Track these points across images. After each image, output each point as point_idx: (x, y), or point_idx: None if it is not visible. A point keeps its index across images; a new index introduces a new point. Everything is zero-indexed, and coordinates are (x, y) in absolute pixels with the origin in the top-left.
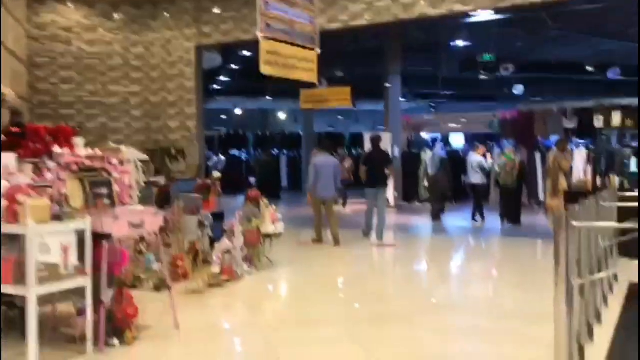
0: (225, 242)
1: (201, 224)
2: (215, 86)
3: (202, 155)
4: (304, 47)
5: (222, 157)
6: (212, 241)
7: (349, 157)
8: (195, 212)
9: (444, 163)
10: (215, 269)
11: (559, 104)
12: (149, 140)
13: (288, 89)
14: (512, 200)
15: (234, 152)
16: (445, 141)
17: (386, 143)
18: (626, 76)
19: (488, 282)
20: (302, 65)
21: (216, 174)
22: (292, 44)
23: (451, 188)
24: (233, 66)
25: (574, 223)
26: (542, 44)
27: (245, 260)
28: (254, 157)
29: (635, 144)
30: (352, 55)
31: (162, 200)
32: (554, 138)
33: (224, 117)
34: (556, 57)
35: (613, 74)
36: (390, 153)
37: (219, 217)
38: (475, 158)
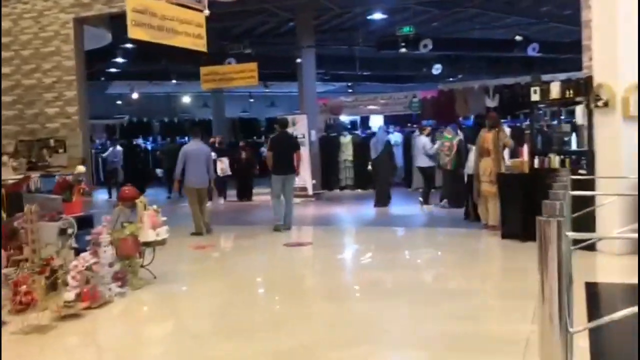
0: (84, 257)
1: (63, 232)
2: (112, 69)
3: (87, 146)
4: (187, 7)
5: (119, 148)
6: (78, 253)
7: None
8: (54, 218)
9: (388, 146)
10: (69, 294)
11: (480, 81)
12: (24, 130)
13: (196, 71)
14: (452, 182)
15: (139, 141)
16: (365, 124)
17: (302, 127)
18: (544, 53)
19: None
20: (186, 29)
21: (80, 168)
22: (171, 2)
23: (395, 172)
24: (128, 45)
25: (570, 235)
26: (459, 22)
27: (116, 279)
28: (159, 147)
29: (573, 120)
30: (263, 35)
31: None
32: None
33: (119, 103)
34: (474, 35)
35: (532, 50)
36: (307, 137)
37: (86, 222)
38: (421, 140)
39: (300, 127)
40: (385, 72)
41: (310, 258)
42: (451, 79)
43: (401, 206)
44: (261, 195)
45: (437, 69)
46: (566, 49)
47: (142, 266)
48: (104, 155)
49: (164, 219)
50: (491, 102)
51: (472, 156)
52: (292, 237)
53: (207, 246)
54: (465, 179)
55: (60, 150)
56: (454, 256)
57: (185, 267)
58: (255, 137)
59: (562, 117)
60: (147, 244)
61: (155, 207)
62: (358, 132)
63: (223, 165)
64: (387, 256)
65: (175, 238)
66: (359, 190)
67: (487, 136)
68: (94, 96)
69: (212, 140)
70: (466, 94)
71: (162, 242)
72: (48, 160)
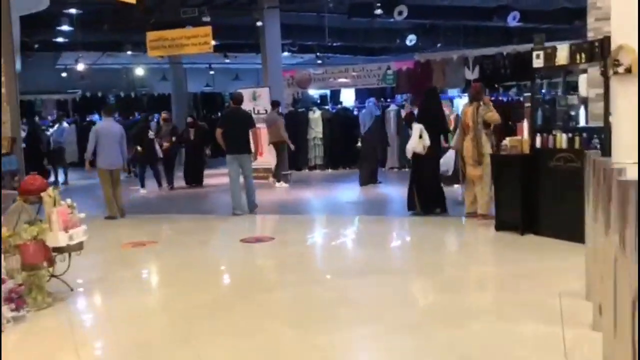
0: None
1: None
2: (60, 39)
3: (15, 123)
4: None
5: (65, 125)
6: None
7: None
8: None
9: (378, 121)
10: None
11: (459, 52)
12: None
13: None
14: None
15: (95, 118)
16: (335, 98)
17: (265, 101)
18: (525, 22)
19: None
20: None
21: None
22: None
23: (384, 149)
24: (72, 11)
25: None
26: None
27: (10, 300)
28: None
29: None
30: (225, 3)
31: None
32: (452, 92)
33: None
34: (450, 3)
35: (512, 19)
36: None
37: None
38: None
39: (263, 101)
40: (357, 43)
41: (269, 260)
42: (428, 51)
43: (385, 188)
44: (216, 177)
45: (411, 40)
46: (548, 18)
47: (53, 276)
48: (48, 133)
49: (82, 215)
50: (471, 75)
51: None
52: (251, 228)
53: (146, 243)
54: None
55: None
56: (441, 257)
57: (115, 273)
58: (219, 113)
59: (559, 90)
60: (59, 250)
61: (69, 201)
62: (328, 107)
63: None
64: (362, 257)
65: (107, 233)
66: (330, 170)
67: (467, 111)
68: (42, 69)
69: (163, 116)
70: (444, 66)
71: (78, 247)
72: None
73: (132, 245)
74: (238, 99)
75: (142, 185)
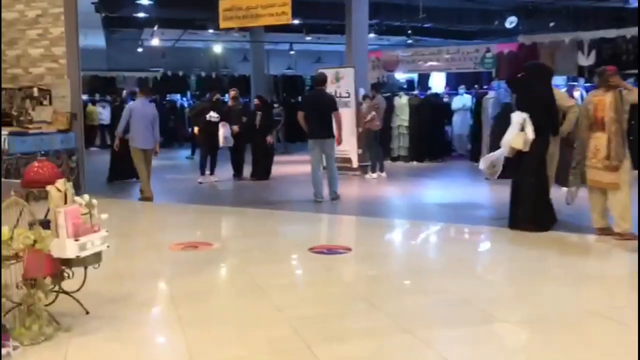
0: None
1: None
2: (140, 14)
3: (77, 98)
4: None
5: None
6: None
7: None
8: None
9: (507, 108)
10: None
11: (571, 34)
12: (5, 75)
13: None
14: None
15: (176, 97)
16: (423, 83)
17: (348, 83)
18: None
19: None
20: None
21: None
22: None
23: None
24: None
25: None
26: None
27: None
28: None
29: None
30: None
31: None
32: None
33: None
34: None
35: None
36: (352, 95)
37: None
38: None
39: (346, 83)
40: (450, 25)
41: (340, 284)
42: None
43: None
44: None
45: (511, 22)
46: None
47: (61, 292)
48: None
49: (104, 216)
50: (585, 60)
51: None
52: (325, 232)
53: (199, 245)
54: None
55: (45, 102)
56: (598, 301)
57: (151, 288)
58: (299, 97)
59: None
60: (67, 263)
61: (86, 198)
62: (416, 92)
63: (225, 133)
64: (462, 291)
65: (153, 228)
66: (415, 163)
67: (600, 100)
68: (126, 47)
69: (232, 94)
70: (554, 49)
71: (94, 260)
72: (31, 114)
73: (181, 247)
74: (321, 80)
75: (202, 173)
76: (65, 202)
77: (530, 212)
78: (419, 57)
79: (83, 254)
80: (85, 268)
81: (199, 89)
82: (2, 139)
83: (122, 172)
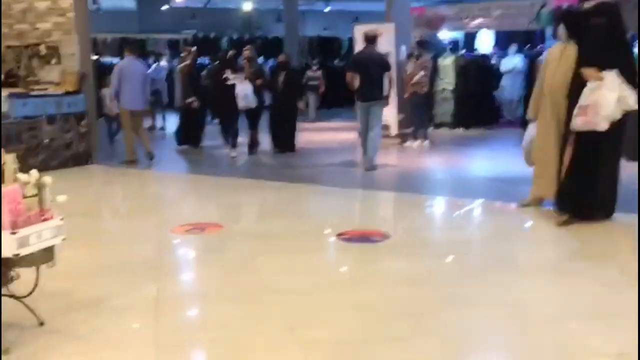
0: None
1: None
2: None
3: (86, 55)
4: None
5: (164, 63)
6: None
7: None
8: None
9: None
10: None
11: None
12: (11, 32)
13: None
14: None
15: (204, 60)
16: (469, 43)
17: (387, 41)
18: None
19: None
20: None
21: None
22: None
23: None
24: None
25: None
26: None
27: None
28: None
29: None
30: None
31: None
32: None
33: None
34: None
35: None
36: (394, 54)
37: None
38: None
39: (385, 41)
40: None
41: (376, 284)
42: None
43: None
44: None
45: None
46: None
47: (6, 296)
48: (149, 71)
49: (61, 199)
50: None
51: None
52: (357, 211)
53: (206, 227)
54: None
55: (54, 61)
56: None
57: (140, 287)
58: (336, 60)
59: None
60: (6, 264)
61: (35, 174)
62: (462, 52)
63: (244, 91)
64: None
65: (161, 203)
66: (460, 130)
67: None
68: (157, 7)
69: (246, 54)
70: (621, 3)
71: (44, 259)
72: (38, 74)
73: (186, 230)
74: (372, 37)
75: (233, 145)
76: (3, 181)
77: (607, 199)
78: (466, 13)
79: (24, 250)
80: (37, 268)
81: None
82: (1, 102)
83: (193, 138)
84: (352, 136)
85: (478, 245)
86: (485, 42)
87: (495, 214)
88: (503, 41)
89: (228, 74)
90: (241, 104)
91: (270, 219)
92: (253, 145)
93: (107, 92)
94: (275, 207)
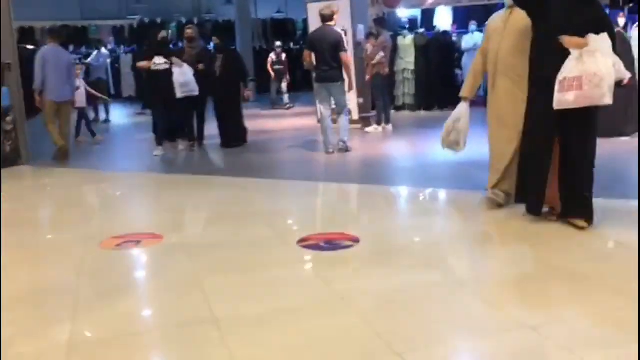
0: None
1: None
2: None
3: (9, 44)
4: None
5: (104, 51)
6: None
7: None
8: None
9: None
10: None
11: None
12: None
13: None
14: None
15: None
16: (428, 21)
17: (343, 19)
18: None
19: None
20: None
21: None
22: None
23: None
24: None
25: None
26: None
27: None
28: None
29: None
30: None
31: None
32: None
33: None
34: None
35: None
36: (350, 34)
37: None
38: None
39: (341, 19)
40: None
41: (347, 307)
42: None
43: None
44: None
45: None
46: None
47: None
48: (88, 60)
49: None
50: None
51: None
52: (323, 209)
53: (144, 238)
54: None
55: None
56: None
57: (49, 325)
58: (292, 44)
59: None
60: None
61: None
62: (421, 31)
63: (183, 77)
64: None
65: (89, 209)
66: (422, 112)
67: None
68: None
69: (188, 33)
70: None
71: None
72: None
73: (118, 243)
74: (328, 16)
75: (158, 143)
76: None
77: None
78: None
79: None
80: None
81: (179, 37)
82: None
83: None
84: (310, 122)
85: (470, 246)
86: (443, 20)
87: (467, 206)
88: (462, 18)
89: (156, 60)
90: (179, 92)
91: (219, 225)
92: (197, 138)
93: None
94: (225, 209)
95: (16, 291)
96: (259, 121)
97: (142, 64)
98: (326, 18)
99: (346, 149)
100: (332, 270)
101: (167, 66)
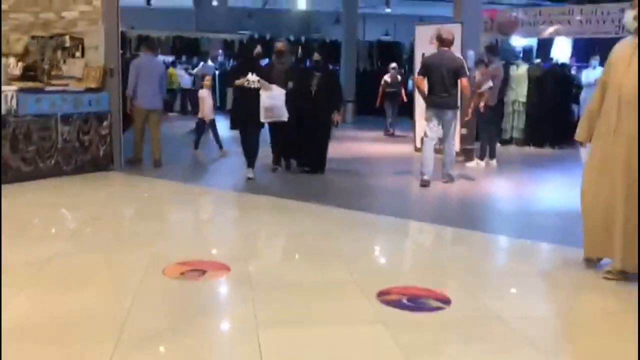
0: None
1: None
2: None
3: (113, 49)
4: None
5: (211, 63)
6: None
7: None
8: None
9: None
10: None
11: None
12: (37, 20)
13: None
14: None
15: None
16: (544, 51)
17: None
18: None
19: None
20: None
21: None
22: None
23: None
24: None
25: None
26: None
27: None
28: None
29: None
30: None
31: None
32: None
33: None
34: None
35: None
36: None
37: None
38: None
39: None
40: None
41: None
42: None
43: None
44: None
45: None
46: None
47: None
48: (193, 71)
49: None
50: None
51: None
52: (411, 260)
53: (209, 268)
54: None
55: (77, 54)
56: None
57: None
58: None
59: None
60: None
61: None
62: (537, 61)
63: (270, 100)
64: None
65: (163, 230)
66: (531, 148)
67: None
68: (215, 7)
69: (279, 47)
70: None
71: None
72: (62, 68)
73: (181, 271)
74: (447, 40)
75: (249, 164)
76: None
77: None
78: (544, 17)
79: None
80: None
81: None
82: (9, 97)
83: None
84: (406, 148)
85: (570, 330)
86: (561, 51)
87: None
88: (582, 50)
89: (250, 77)
90: (262, 116)
91: (293, 261)
92: (276, 161)
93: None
94: (303, 242)
95: (57, 316)
96: (353, 145)
97: (239, 81)
98: (447, 42)
99: (451, 180)
100: (413, 338)
101: (259, 85)
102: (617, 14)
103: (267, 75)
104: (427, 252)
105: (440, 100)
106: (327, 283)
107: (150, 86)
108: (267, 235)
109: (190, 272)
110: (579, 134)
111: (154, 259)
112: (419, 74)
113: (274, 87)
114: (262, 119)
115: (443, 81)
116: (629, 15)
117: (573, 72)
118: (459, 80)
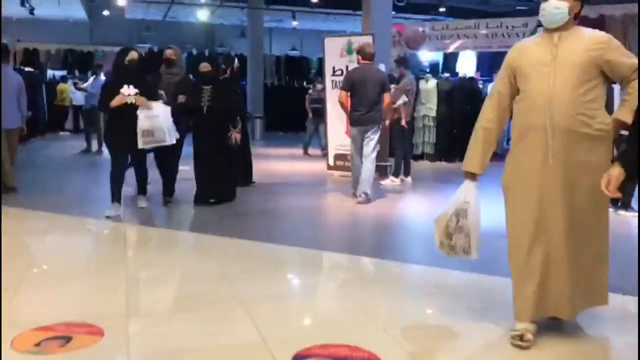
0: None
1: None
2: None
3: None
4: None
5: (103, 77)
6: None
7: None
8: None
9: None
10: None
11: None
12: None
13: None
14: None
15: None
16: (449, 65)
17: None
18: None
19: None
20: None
21: None
22: None
23: None
24: None
25: None
26: None
27: None
28: None
29: None
30: None
31: None
32: None
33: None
34: None
35: None
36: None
37: None
38: None
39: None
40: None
41: None
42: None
43: None
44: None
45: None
46: None
47: None
48: (83, 86)
49: None
50: None
51: None
52: (329, 307)
53: (76, 331)
54: None
55: None
56: None
57: None
58: (304, 82)
59: None
60: None
61: None
62: (446, 75)
63: (153, 120)
64: None
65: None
66: (443, 163)
67: None
68: (112, 20)
69: (168, 54)
70: (627, 24)
71: None
72: None
73: (36, 341)
74: (369, 53)
75: (114, 199)
76: None
77: None
78: (450, 32)
79: None
80: None
81: (188, 68)
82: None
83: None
84: (319, 166)
85: None
86: (467, 66)
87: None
88: (487, 64)
89: (125, 89)
90: (140, 141)
91: (188, 316)
92: (167, 192)
93: None
94: (201, 289)
95: None
96: (263, 163)
97: (117, 100)
98: (369, 56)
99: (368, 201)
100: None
101: (134, 99)
102: (521, 28)
103: (150, 89)
104: (353, 290)
105: (364, 117)
106: (231, 347)
107: (9, 103)
108: (153, 279)
109: (49, 342)
110: (471, 163)
111: (6, 327)
112: (343, 89)
113: (155, 104)
114: (139, 145)
115: (368, 96)
116: (558, 5)
117: (480, 85)
118: (383, 95)
